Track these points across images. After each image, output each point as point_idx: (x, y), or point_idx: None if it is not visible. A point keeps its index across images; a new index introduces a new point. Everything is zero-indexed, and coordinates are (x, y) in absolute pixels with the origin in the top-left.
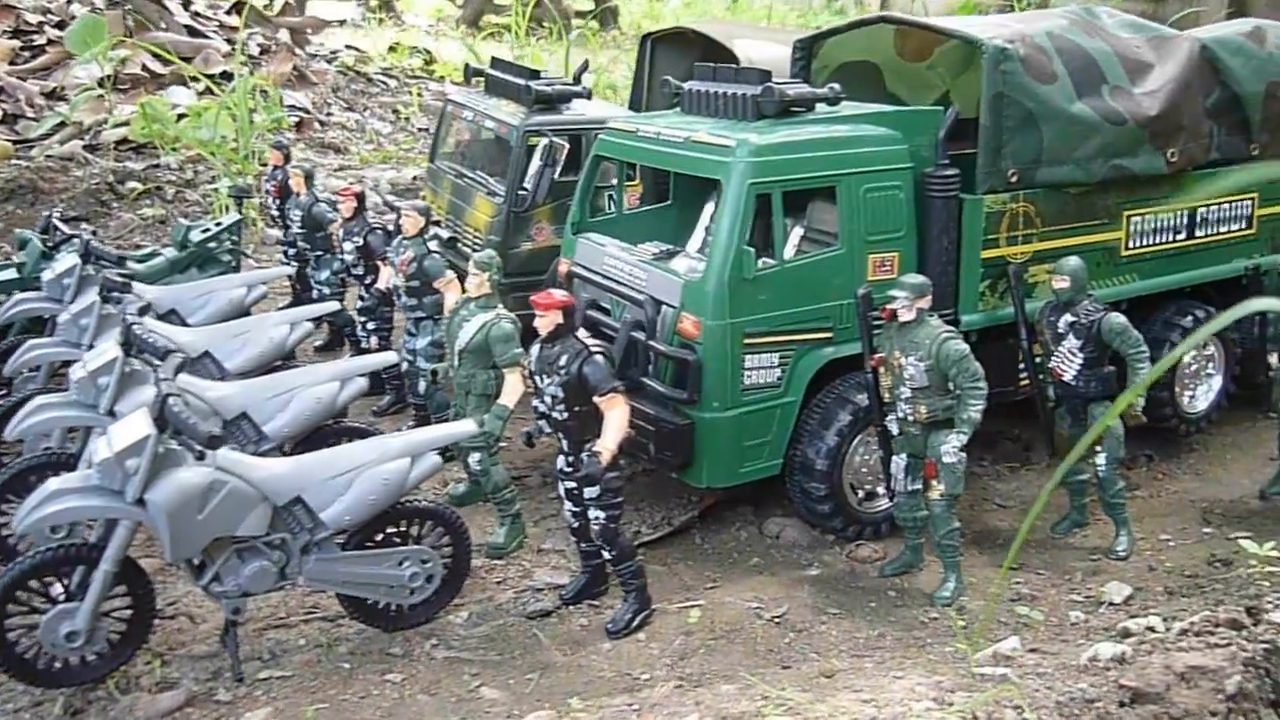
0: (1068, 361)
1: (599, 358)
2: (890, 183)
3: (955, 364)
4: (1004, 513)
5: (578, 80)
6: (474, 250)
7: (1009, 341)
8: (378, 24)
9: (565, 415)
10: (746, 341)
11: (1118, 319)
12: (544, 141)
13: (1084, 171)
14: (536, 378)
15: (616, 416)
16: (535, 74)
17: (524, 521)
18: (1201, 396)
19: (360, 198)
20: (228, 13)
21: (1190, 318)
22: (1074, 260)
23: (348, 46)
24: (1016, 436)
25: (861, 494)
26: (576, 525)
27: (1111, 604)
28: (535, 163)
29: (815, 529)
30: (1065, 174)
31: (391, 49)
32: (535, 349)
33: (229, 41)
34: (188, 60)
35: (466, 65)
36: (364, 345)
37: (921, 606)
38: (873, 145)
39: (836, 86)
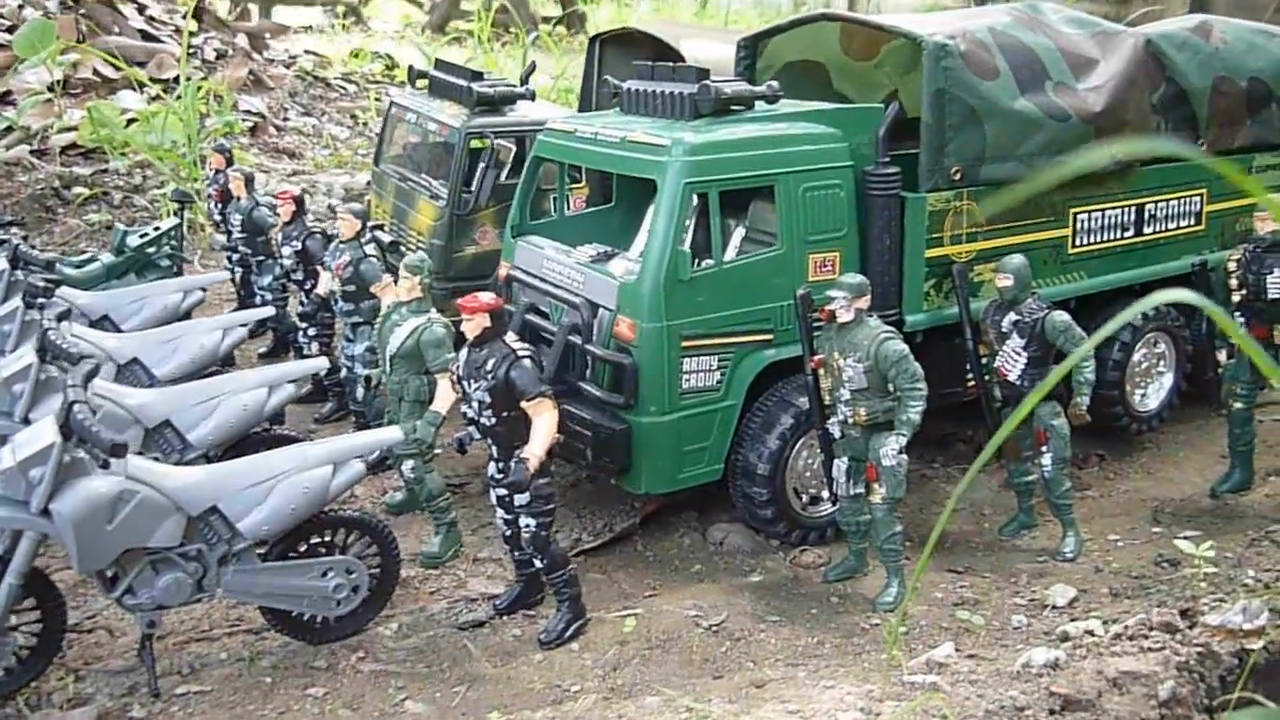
0: (1012, 361)
1: (526, 362)
2: (830, 181)
3: (894, 364)
4: (953, 515)
5: (524, 82)
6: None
7: (955, 341)
8: (344, 30)
9: (493, 421)
10: (684, 344)
11: (1061, 317)
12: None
13: (1029, 168)
14: (464, 383)
15: (544, 422)
16: (478, 75)
17: (460, 530)
18: (1153, 395)
19: (299, 201)
20: (184, 17)
21: (1140, 316)
22: (1017, 258)
23: (307, 51)
24: (969, 437)
25: (805, 498)
26: (509, 533)
27: (1055, 607)
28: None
29: (759, 534)
30: (1009, 171)
31: (353, 54)
32: (463, 353)
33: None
34: (141, 65)
35: (410, 67)
36: (305, 351)
37: (864, 612)
38: (812, 143)
39: (775, 84)
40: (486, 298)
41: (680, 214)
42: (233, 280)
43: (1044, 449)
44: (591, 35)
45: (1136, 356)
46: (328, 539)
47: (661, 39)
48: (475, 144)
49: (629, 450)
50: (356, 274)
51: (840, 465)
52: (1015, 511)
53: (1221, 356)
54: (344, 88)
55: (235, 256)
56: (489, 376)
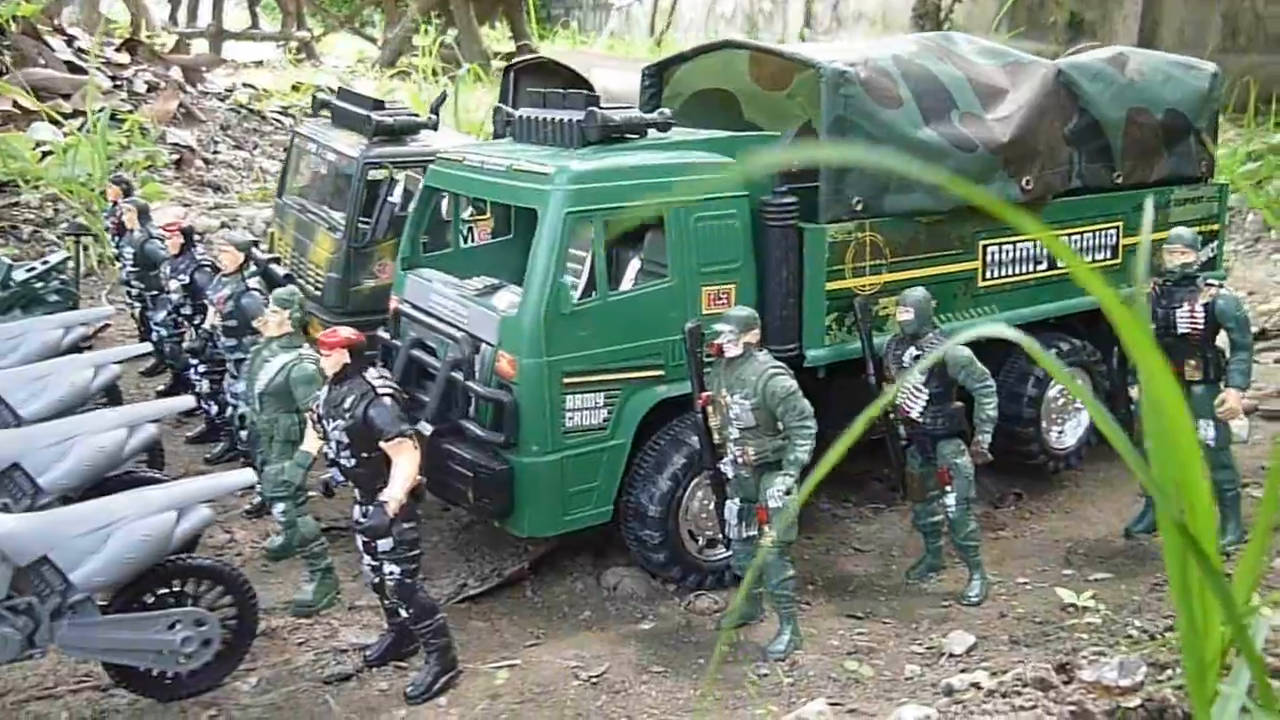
0: (913, 397)
1: (387, 400)
2: (723, 211)
3: (781, 402)
4: (861, 557)
5: (435, 112)
6: (316, 289)
7: (860, 377)
8: (295, 65)
9: (353, 462)
10: (567, 381)
11: (963, 352)
12: (407, 176)
13: (934, 199)
14: (323, 422)
15: (404, 464)
16: (379, 104)
17: (337, 576)
18: (1070, 432)
19: (186, 233)
20: (117, 50)
21: (1055, 351)
22: (918, 291)
23: (244, 85)
24: (886, 476)
25: (701, 541)
26: (376, 580)
27: (952, 655)
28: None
29: (656, 579)
30: (914, 202)
31: (294, 88)
32: (323, 391)
33: (113, 78)
34: (66, 97)
35: (314, 96)
36: (198, 388)
37: (754, 661)
38: (703, 173)
39: (667, 111)
40: (346, 332)
41: (562, 245)
42: (133, 315)
43: (948, 489)
44: (505, 65)
45: (1052, 392)
46: (177, 589)
47: (573, 69)
48: (375, 174)
49: (510, 491)
50: (238, 308)
51: (732, 507)
52: (924, 553)
53: (1134, 393)
54: (279, 121)
55: (134, 291)
56: (347, 415)
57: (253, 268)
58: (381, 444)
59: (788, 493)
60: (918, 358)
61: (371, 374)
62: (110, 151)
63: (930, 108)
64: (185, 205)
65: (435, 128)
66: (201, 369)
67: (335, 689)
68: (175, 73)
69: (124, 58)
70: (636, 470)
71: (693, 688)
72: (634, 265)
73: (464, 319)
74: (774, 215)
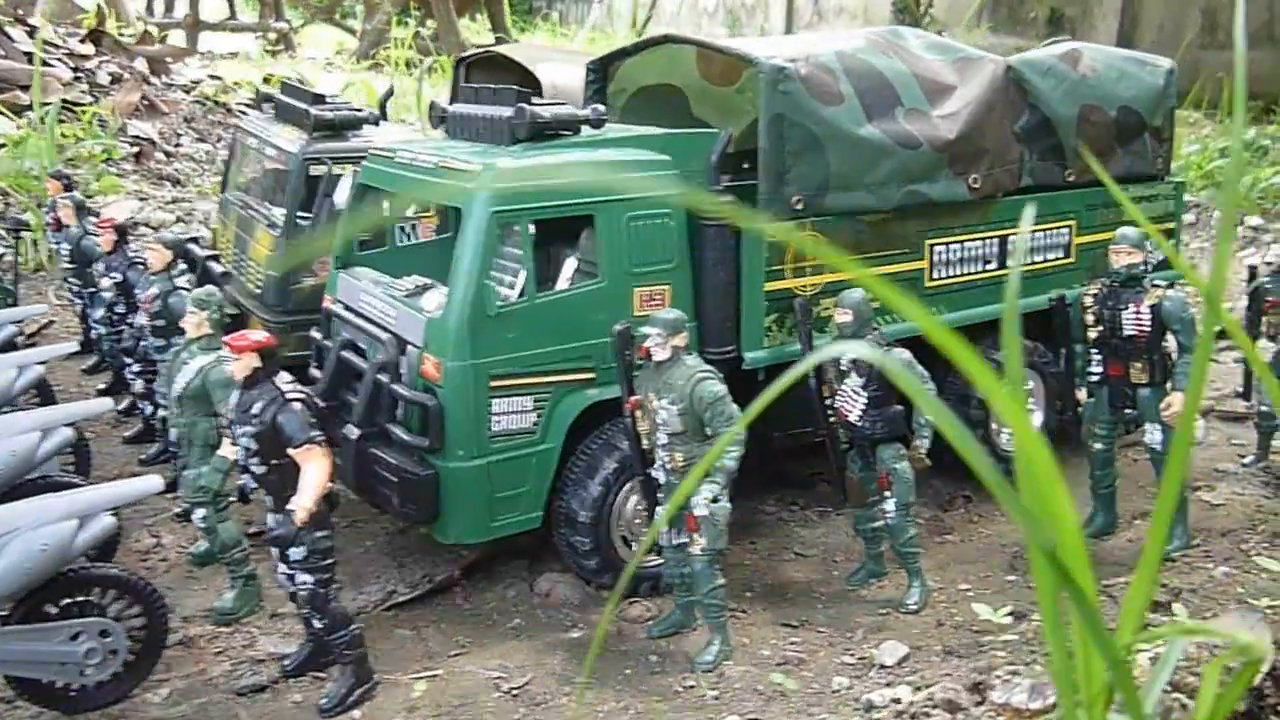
0: (851, 401)
1: (296, 405)
2: (658, 210)
3: (709, 407)
4: (802, 563)
5: (382, 106)
6: (257, 287)
7: (803, 380)
8: (272, 57)
9: (264, 469)
10: (493, 384)
11: (901, 355)
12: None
13: (877, 198)
14: (233, 427)
15: (313, 471)
16: (319, 99)
17: (260, 584)
18: None
19: (120, 230)
20: (82, 41)
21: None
22: (856, 293)
23: (211, 76)
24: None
25: (635, 547)
26: (292, 589)
27: (882, 666)
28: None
29: (590, 585)
30: (856, 201)
31: (265, 80)
32: (234, 395)
33: (75, 70)
34: (25, 89)
35: (256, 90)
36: (133, 388)
37: (681, 672)
38: (636, 171)
39: (601, 108)
40: (257, 335)
41: (487, 245)
42: (75, 313)
43: (887, 494)
44: (456, 59)
45: None
46: (81, 599)
47: (520, 62)
48: (315, 170)
49: (436, 497)
50: (165, 307)
51: (662, 514)
52: (865, 559)
53: (1081, 395)
54: (245, 113)
55: (74, 288)
56: (255, 421)
57: (182, 266)
58: (290, 451)
59: (714, 501)
60: (855, 361)
61: (282, 379)
62: (66, 144)
63: (873, 104)
64: (141, 199)
65: (378, 123)
66: (136, 368)
67: (248, 700)
68: (140, 64)
69: (88, 49)
70: (568, 475)
71: (615, 700)
72: (570, 265)
73: (392, 320)
74: (711, 215)
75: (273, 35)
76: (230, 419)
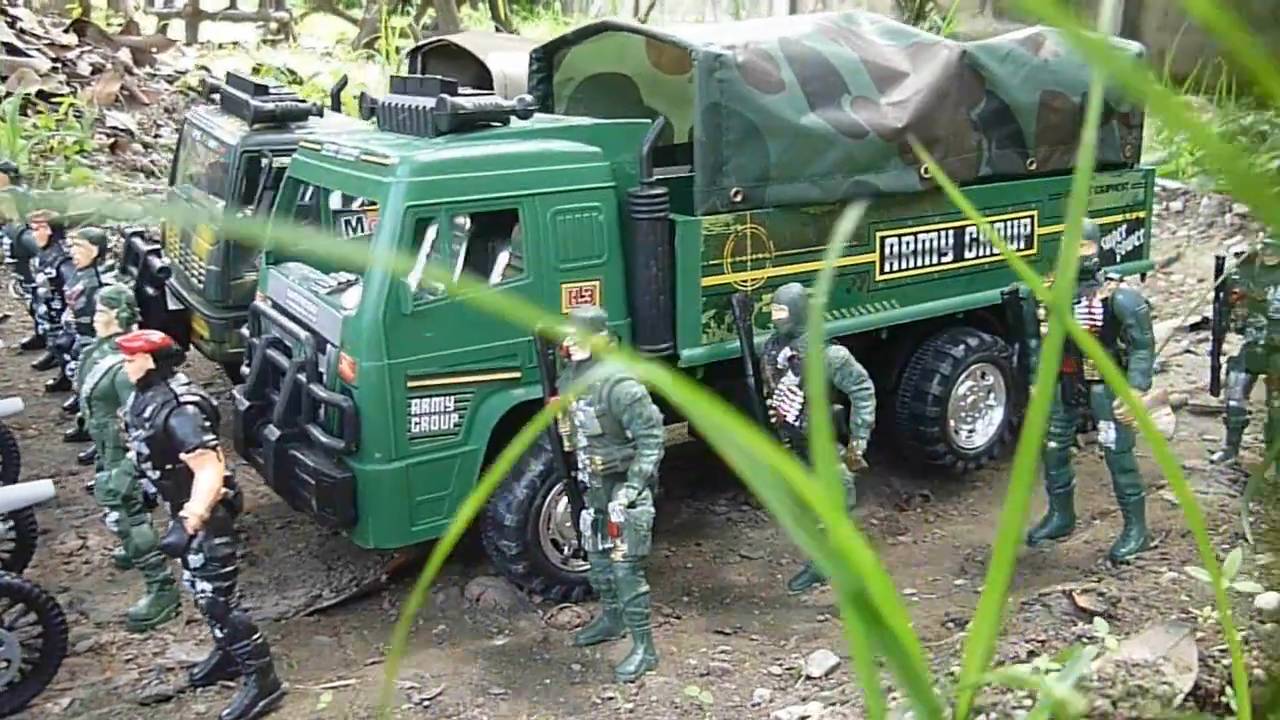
0: (789, 400)
1: (190, 408)
2: (586, 204)
3: (627, 409)
4: (746, 565)
5: (335, 97)
6: (199, 282)
7: (744, 378)
8: (271, 46)
9: (158, 474)
10: (411, 384)
11: (837, 353)
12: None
13: (822, 189)
14: (128, 431)
15: (207, 477)
16: (262, 89)
17: (177, 589)
18: (980, 431)
19: (55, 226)
20: (66, 31)
21: (962, 346)
22: (794, 288)
23: (198, 67)
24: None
25: (566, 551)
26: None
27: (809, 678)
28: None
29: (522, 590)
30: (800, 192)
31: (254, 70)
32: (130, 398)
33: (56, 60)
34: (3, 79)
35: (202, 81)
36: (75, 384)
37: (602, 683)
38: (564, 163)
39: (528, 98)
40: (153, 336)
41: (403, 240)
42: (27, 308)
43: None
44: (411, 48)
45: (961, 390)
46: None
47: (471, 51)
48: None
49: (354, 500)
50: (90, 304)
51: (586, 517)
52: (807, 562)
53: (1034, 391)
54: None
55: (19, 281)
56: (147, 425)
57: (109, 261)
58: (182, 456)
59: (631, 505)
60: (792, 358)
61: (178, 381)
62: (38, 136)
63: (817, 92)
64: (113, 190)
65: (321, 113)
66: (73, 365)
67: (151, 710)
68: (124, 55)
69: (70, 39)
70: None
71: (528, 713)
72: (503, 259)
73: (313, 317)
74: (642, 207)
75: (273, 24)
76: (126, 422)
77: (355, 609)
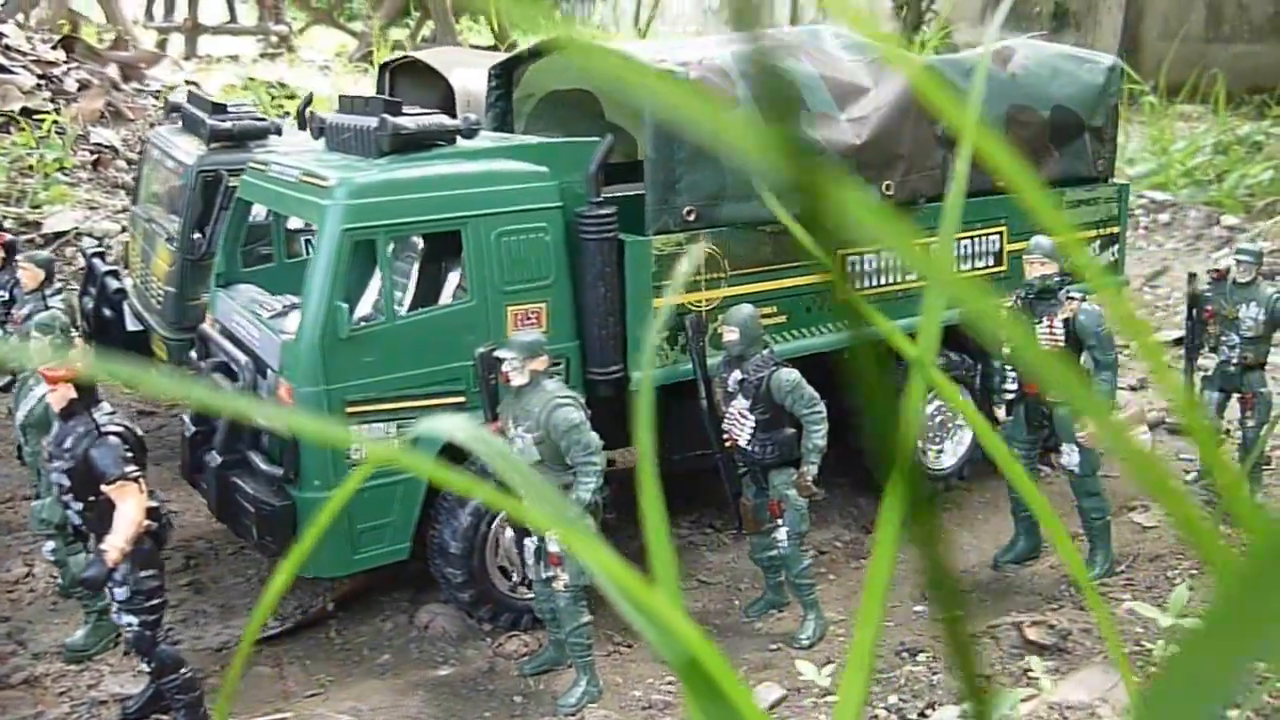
0: (740, 424)
1: (112, 439)
2: (532, 224)
3: (565, 435)
4: (704, 591)
5: (300, 114)
6: (157, 303)
7: (699, 400)
8: (270, 61)
9: (80, 506)
10: (350, 410)
11: (788, 376)
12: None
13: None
14: (51, 461)
15: (128, 509)
16: (220, 108)
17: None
18: (950, 451)
19: (8, 247)
20: (54, 47)
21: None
22: (745, 309)
23: (187, 82)
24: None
25: (516, 579)
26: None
27: None
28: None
29: (472, 618)
30: (755, 211)
31: (244, 86)
32: (55, 428)
33: (42, 76)
34: None
35: (166, 100)
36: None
37: (544, 715)
38: (508, 183)
39: (472, 116)
40: (76, 364)
41: (340, 263)
42: None
43: (779, 522)
44: (380, 63)
45: (929, 410)
46: None
47: (435, 68)
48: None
49: (294, 528)
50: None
51: (529, 545)
52: (764, 589)
53: (1000, 413)
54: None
55: None
56: (68, 455)
57: (56, 285)
58: (104, 487)
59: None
60: (743, 381)
61: (101, 410)
62: (15, 154)
63: None
64: (92, 208)
65: (280, 132)
66: None
67: None
68: (112, 70)
69: (58, 55)
70: (440, 504)
71: None
72: (453, 280)
73: (255, 341)
74: (591, 228)
75: (273, 38)
76: (49, 452)
77: (301, 638)
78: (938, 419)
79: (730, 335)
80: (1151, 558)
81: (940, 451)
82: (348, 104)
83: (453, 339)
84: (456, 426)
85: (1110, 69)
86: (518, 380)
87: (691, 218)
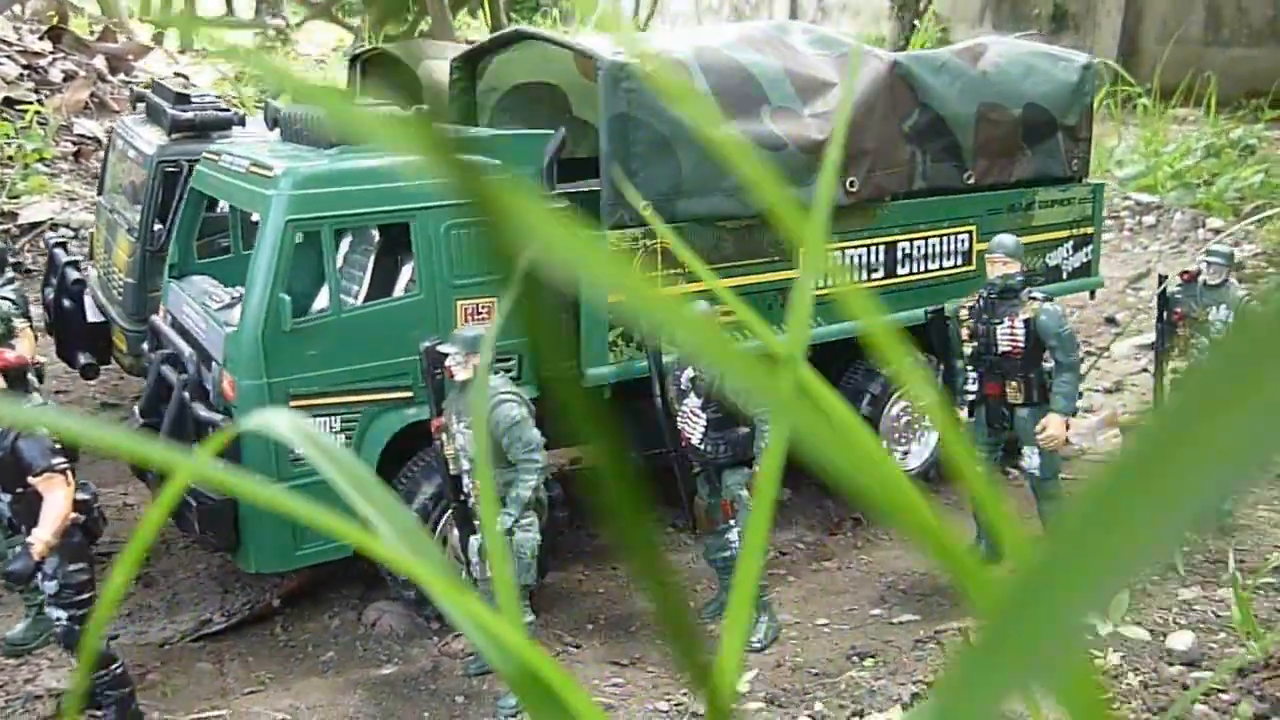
0: (692, 423)
1: (40, 430)
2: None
3: (506, 432)
4: None
5: (266, 107)
6: (119, 294)
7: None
8: (267, 55)
9: (8, 498)
10: (294, 404)
11: None
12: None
13: (737, 203)
14: None
15: (55, 501)
16: (182, 98)
17: None
18: (916, 453)
19: None
20: (41, 38)
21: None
22: (699, 305)
23: (176, 74)
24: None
25: (465, 576)
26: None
27: (694, 715)
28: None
29: (420, 615)
30: (713, 206)
31: (236, 78)
32: None
33: (26, 67)
34: None
35: (131, 89)
36: None
37: (484, 716)
38: None
39: (424, 108)
40: (8, 354)
41: (283, 255)
42: None
43: (731, 522)
44: (351, 56)
45: (894, 410)
46: None
47: (402, 60)
48: (171, 172)
49: (236, 524)
50: None
51: (474, 543)
52: (719, 590)
53: (962, 414)
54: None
55: None
56: None
57: (9, 275)
58: (31, 480)
59: (507, 533)
60: (695, 379)
61: (30, 402)
62: None
63: (732, 103)
64: (71, 199)
65: (244, 122)
66: None
67: None
68: (99, 62)
69: (44, 46)
70: None
71: None
72: (406, 273)
73: (202, 333)
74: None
75: (271, 32)
76: None
77: (245, 634)
78: (903, 420)
79: None
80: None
81: (906, 453)
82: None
83: (400, 333)
84: (283, 423)
85: (1085, 68)
86: (461, 375)
87: (648, 213)
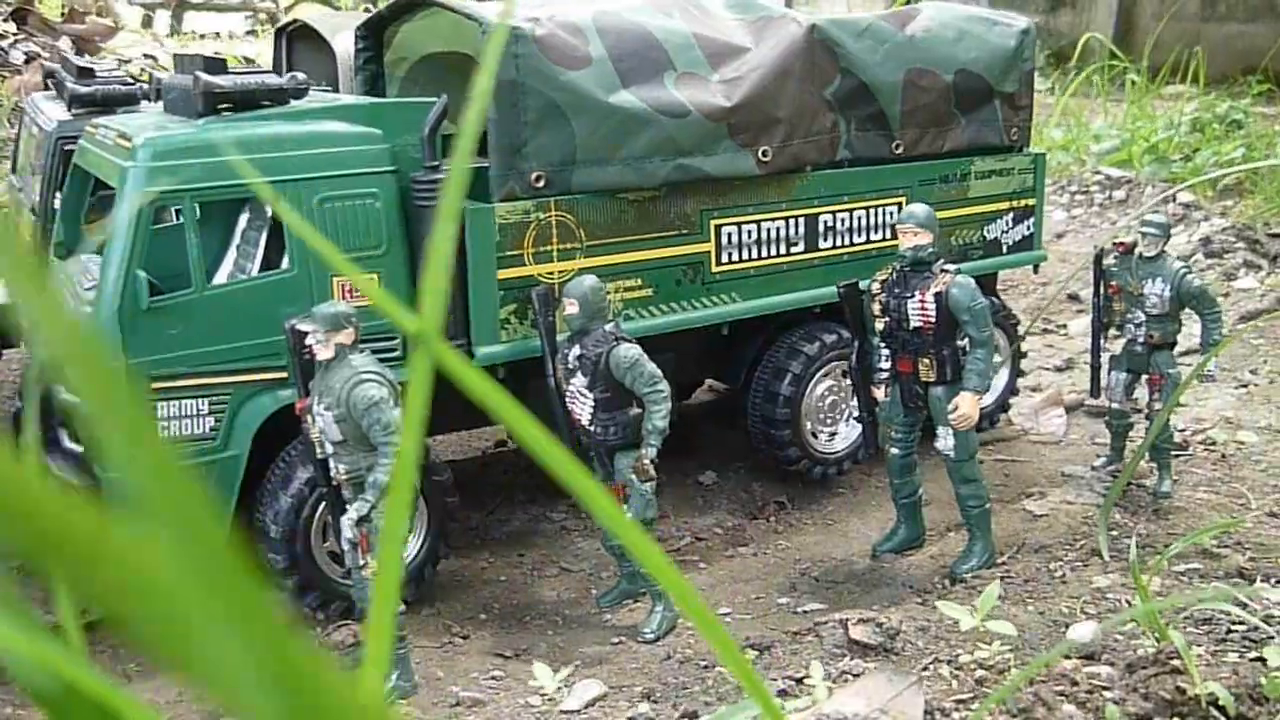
0: (581, 403)
1: None
2: (360, 190)
3: (365, 413)
4: (564, 579)
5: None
6: None
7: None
8: (256, 38)
9: None
10: (156, 386)
11: (628, 352)
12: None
13: (637, 173)
14: None
15: None
16: (87, 72)
17: None
18: (842, 435)
19: None
20: (6, 20)
21: (817, 344)
22: (588, 281)
23: (145, 55)
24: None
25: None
26: None
27: (565, 711)
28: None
29: (301, 605)
30: (612, 177)
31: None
32: None
33: None
34: None
35: (42, 65)
36: None
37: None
38: (332, 145)
39: (301, 75)
40: None
41: (140, 230)
42: None
43: (624, 508)
44: (276, 28)
45: (819, 390)
46: None
47: (319, 31)
48: (70, 149)
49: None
50: None
51: (346, 529)
52: (619, 578)
53: (879, 394)
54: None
55: None
56: None
57: None
58: None
59: (362, 520)
60: (582, 358)
61: None
62: None
63: (632, 68)
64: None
65: (150, 97)
66: None
67: None
68: (64, 43)
69: (9, 27)
70: (266, 485)
71: None
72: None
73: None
74: (426, 194)
75: (260, 14)
76: None
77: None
78: (828, 400)
79: (571, 308)
80: (1037, 548)
81: (833, 434)
82: (180, 64)
83: (271, 311)
84: None
85: (1023, 32)
86: (322, 354)
87: (540, 184)
